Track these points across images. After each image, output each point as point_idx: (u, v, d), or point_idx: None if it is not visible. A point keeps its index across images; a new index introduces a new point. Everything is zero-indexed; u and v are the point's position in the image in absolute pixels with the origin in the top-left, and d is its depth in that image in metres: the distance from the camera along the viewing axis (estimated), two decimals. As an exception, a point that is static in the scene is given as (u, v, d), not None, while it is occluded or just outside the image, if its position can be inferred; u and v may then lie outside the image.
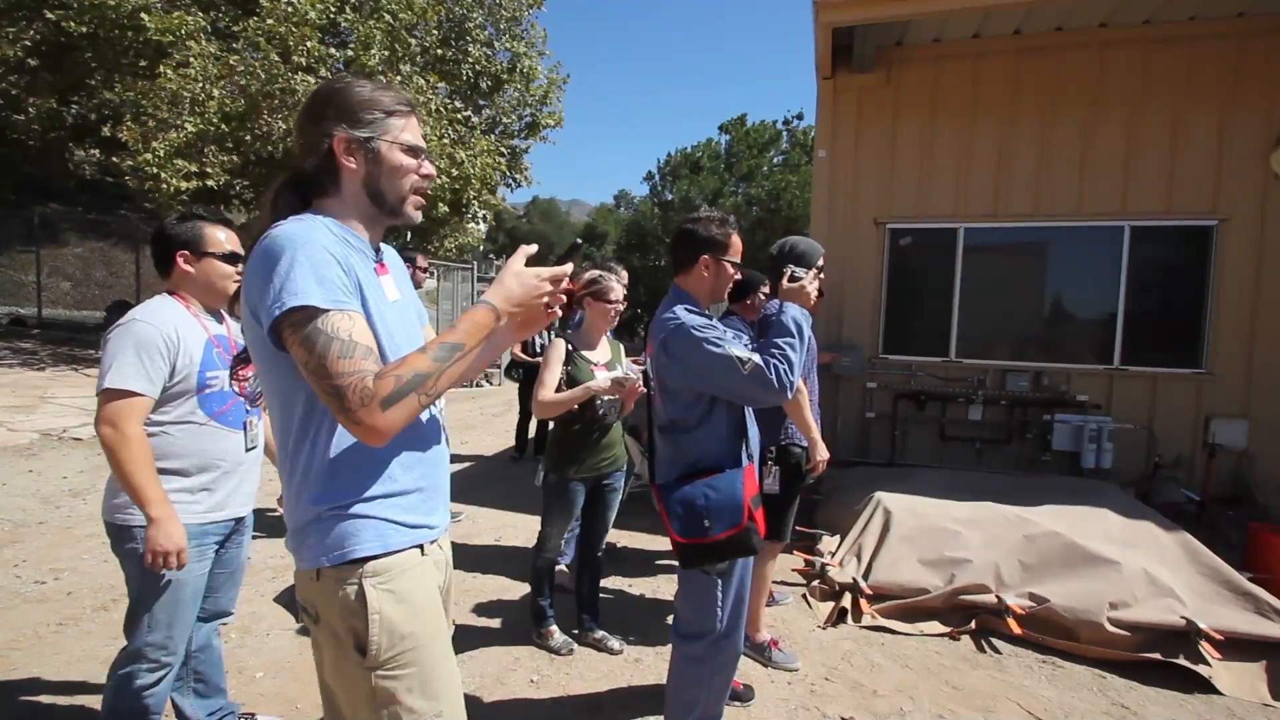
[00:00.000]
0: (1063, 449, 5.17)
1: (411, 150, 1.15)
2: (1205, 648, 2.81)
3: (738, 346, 1.74)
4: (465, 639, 2.89)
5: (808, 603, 3.37)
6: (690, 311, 1.84)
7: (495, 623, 3.12)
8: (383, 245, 1.23)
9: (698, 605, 1.91)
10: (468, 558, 3.82)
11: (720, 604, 1.88)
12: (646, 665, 2.76)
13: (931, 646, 3.00)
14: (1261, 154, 4.94)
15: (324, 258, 1.02)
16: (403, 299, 1.21)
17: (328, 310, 0.98)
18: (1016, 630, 2.99)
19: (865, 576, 3.35)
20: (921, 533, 3.48)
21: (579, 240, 1.28)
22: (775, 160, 24.52)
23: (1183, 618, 2.90)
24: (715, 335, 1.75)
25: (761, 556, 2.82)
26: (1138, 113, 5.15)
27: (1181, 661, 2.80)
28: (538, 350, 5.22)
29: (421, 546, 1.16)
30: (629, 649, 2.87)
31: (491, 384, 12.88)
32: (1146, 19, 5.05)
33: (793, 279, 1.91)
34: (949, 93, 5.52)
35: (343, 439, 1.08)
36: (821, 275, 2.86)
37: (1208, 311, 5.08)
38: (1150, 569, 3.14)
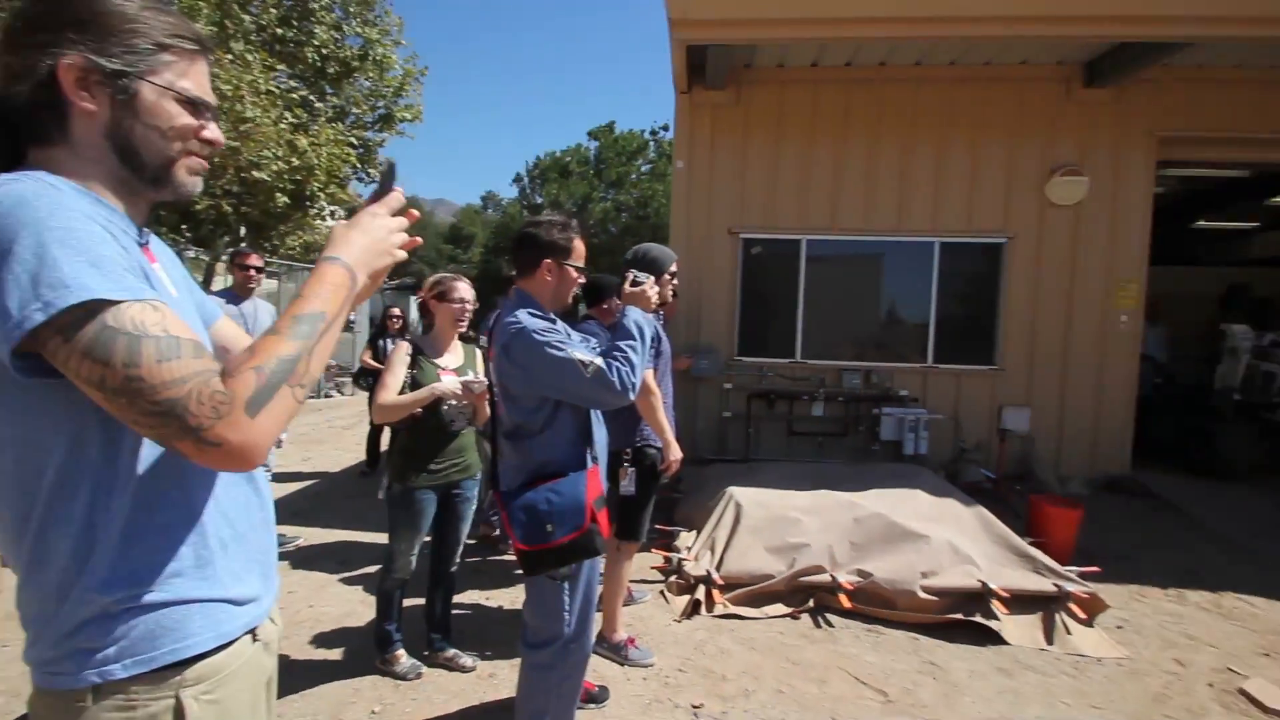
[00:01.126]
0: (889, 439, 5.78)
1: (191, 104, 0.84)
2: (996, 605, 3.27)
3: (580, 350, 1.75)
4: (298, 675, 2.64)
5: (665, 598, 3.48)
6: (533, 315, 1.82)
7: (335, 653, 2.89)
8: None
9: (545, 611, 1.89)
10: (307, 585, 3.51)
11: (567, 608, 1.88)
12: (501, 680, 2.69)
13: (776, 628, 3.22)
14: (1039, 183, 5.86)
15: (89, 229, 0.71)
16: (180, 296, 0.92)
17: (119, 302, 0.69)
18: (847, 605, 3.29)
19: (718, 568, 3.51)
20: (768, 522, 3.72)
21: (390, 161, 1.09)
22: (643, 169, 25.17)
23: (979, 581, 3.34)
24: (557, 339, 1.75)
25: (618, 557, 2.87)
26: (944, 143, 5.90)
27: (978, 619, 3.24)
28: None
29: (254, 630, 0.90)
30: (483, 664, 2.78)
31: (342, 394, 11.96)
32: (952, 61, 5.80)
33: (634, 283, 1.95)
34: (792, 115, 5.98)
35: (141, 493, 0.78)
36: (674, 281, 2.99)
37: (1000, 316, 5.94)
38: (954, 540, 3.59)
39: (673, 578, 3.57)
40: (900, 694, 2.70)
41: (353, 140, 11.00)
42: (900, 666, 2.91)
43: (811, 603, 3.38)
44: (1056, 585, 3.35)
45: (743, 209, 6.04)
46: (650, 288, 1.95)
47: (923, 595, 3.30)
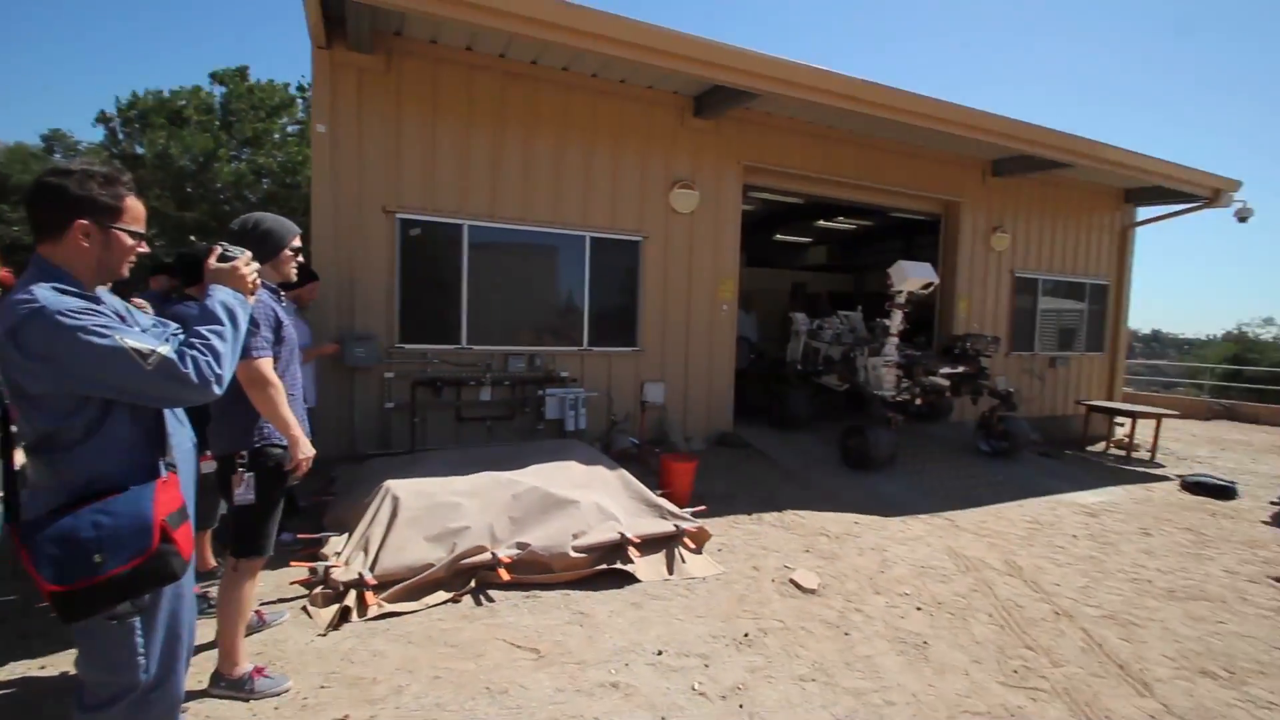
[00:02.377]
0: (553, 418, 6.20)
1: None
2: (631, 551, 3.79)
3: (135, 335, 1.42)
4: None
5: (308, 613, 3.12)
6: (60, 292, 1.40)
7: None
8: None
9: (107, 662, 1.51)
10: None
11: (142, 651, 1.53)
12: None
13: (436, 616, 3.17)
14: (665, 192, 6.89)
15: None
16: None
17: None
18: (506, 577, 3.44)
19: (372, 568, 3.30)
20: (427, 511, 3.64)
21: None
22: (289, 129, 21.75)
23: (619, 533, 3.83)
24: (98, 323, 1.38)
25: (236, 578, 2.46)
26: (591, 147, 6.50)
27: (618, 565, 3.71)
28: None
29: None
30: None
31: None
32: (594, 74, 6.39)
33: (223, 258, 1.67)
34: (448, 96, 5.86)
35: None
36: (298, 259, 2.65)
37: (639, 305, 6.84)
38: (600, 502, 4.04)
39: (318, 589, 3.23)
40: (551, 647, 2.94)
41: None
42: (552, 623, 3.16)
43: (474, 583, 3.43)
44: (676, 525, 4.05)
45: (399, 188, 5.71)
46: (245, 263, 1.69)
47: (574, 555, 3.64)
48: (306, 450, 2.50)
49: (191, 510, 1.67)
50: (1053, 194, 9.55)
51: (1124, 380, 11.33)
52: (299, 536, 3.75)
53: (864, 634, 3.25)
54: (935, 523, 5.20)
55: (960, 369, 7.22)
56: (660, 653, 2.93)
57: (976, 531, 5.02)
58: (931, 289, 6.80)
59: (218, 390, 1.52)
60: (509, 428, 6.20)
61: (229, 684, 2.45)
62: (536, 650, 2.91)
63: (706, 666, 2.84)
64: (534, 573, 3.56)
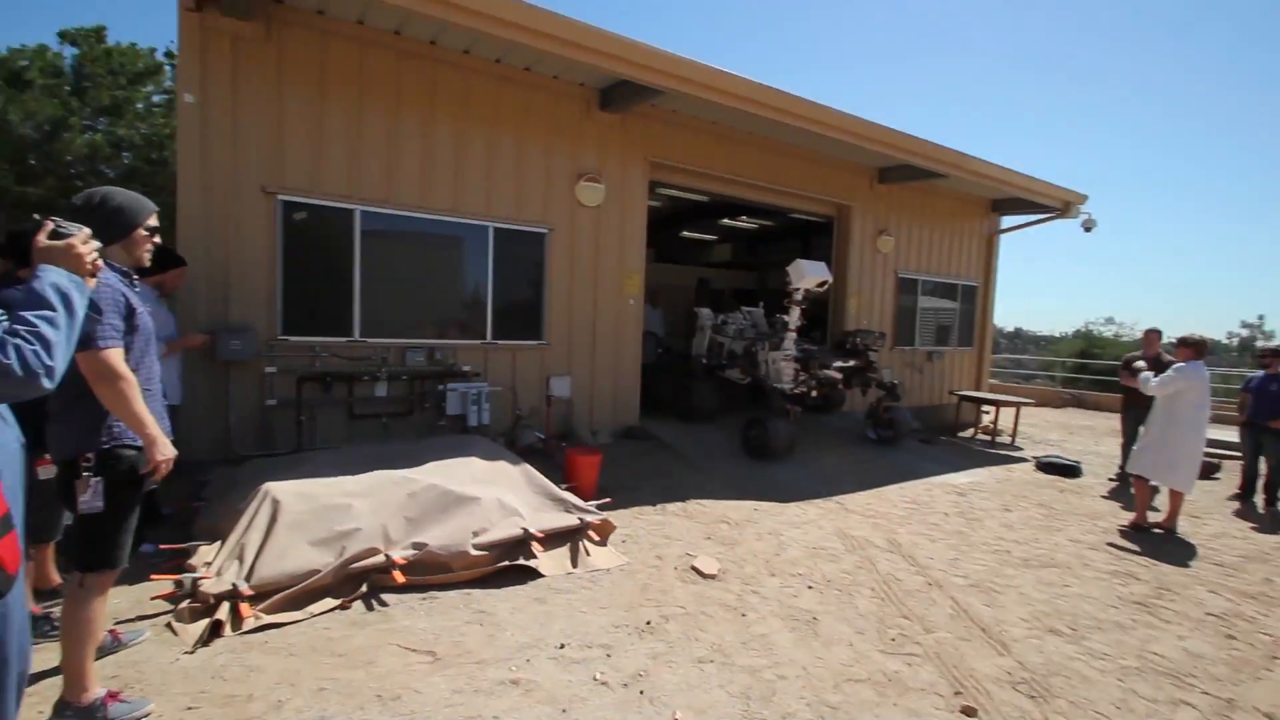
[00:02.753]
0: (455, 413, 6.00)
1: None
2: (535, 546, 3.74)
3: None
4: None
5: (173, 630, 2.84)
6: None
7: None
8: None
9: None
10: None
11: (-49, 685, 1.33)
12: None
13: (321, 625, 2.98)
14: (571, 185, 6.83)
15: None
16: None
17: None
18: (401, 580, 3.29)
19: (248, 578, 3.05)
20: (313, 514, 3.41)
21: None
22: (155, 99, 19.59)
23: (522, 528, 3.77)
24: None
25: (82, 595, 2.20)
26: (493, 135, 6.32)
27: (521, 561, 3.65)
28: None
29: None
30: None
31: None
32: (498, 59, 6.21)
33: (54, 235, 1.47)
34: (338, 72, 5.49)
35: None
36: (155, 241, 2.40)
37: (545, 297, 6.75)
38: (503, 498, 3.96)
39: (184, 603, 2.94)
40: (449, 648, 2.84)
41: None
42: (450, 624, 3.06)
43: (364, 588, 3.26)
44: (580, 519, 4.04)
45: (281, 167, 5.29)
46: (81, 241, 1.50)
47: (474, 553, 3.54)
48: (165, 451, 2.26)
49: (19, 519, 1.47)
50: (931, 202, 10.36)
51: (990, 373, 12.52)
52: (161, 547, 3.41)
53: (759, 614, 3.39)
54: (827, 506, 5.52)
55: (852, 363, 7.69)
56: (563, 646, 2.91)
57: (863, 513, 5.37)
58: (826, 287, 7.18)
59: (48, 383, 1.34)
60: (407, 424, 5.93)
61: (77, 712, 2.18)
62: (433, 653, 2.81)
63: (609, 656, 2.86)
64: (432, 573, 3.43)
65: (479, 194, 6.26)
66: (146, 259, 2.36)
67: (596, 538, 4.08)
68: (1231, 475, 7.30)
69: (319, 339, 5.51)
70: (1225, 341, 36.22)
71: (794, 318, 7.06)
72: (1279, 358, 6.10)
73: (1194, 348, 5.30)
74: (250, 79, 5.13)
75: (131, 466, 2.22)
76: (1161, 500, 5.70)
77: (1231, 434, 7.43)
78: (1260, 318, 38.02)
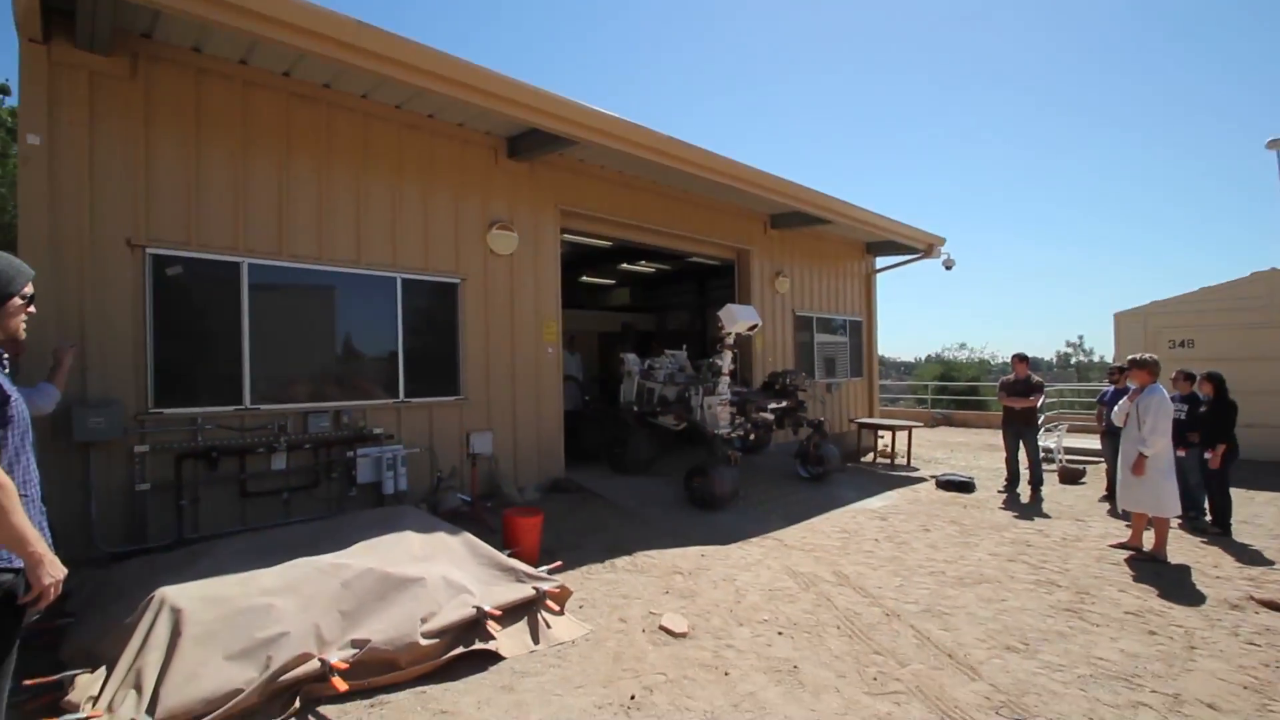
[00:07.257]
0: (367, 481, 5.41)
1: None
2: (491, 626, 3.37)
3: None
4: None
5: (45, 801, 2.20)
6: None
7: None
8: None
9: None
10: None
11: None
12: None
13: (250, 760, 2.46)
14: (482, 233, 6.59)
15: None
16: None
17: None
18: (343, 687, 2.81)
19: (151, 710, 2.46)
20: (225, 622, 2.85)
21: None
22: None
23: (474, 607, 3.38)
24: None
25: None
26: (397, 183, 5.98)
27: (477, 645, 3.26)
28: None
29: None
30: None
31: None
32: (399, 105, 5.93)
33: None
34: (218, 114, 4.96)
35: None
36: (30, 310, 1.96)
37: (460, 350, 6.38)
38: (448, 574, 3.55)
39: (62, 761, 2.30)
40: (415, 766, 2.44)
41: None
42: (411, 733, 2.64)
43: (298, 703, 2.74)
44: (535, 588, 3.72)
45: (149, 218, 4.63)
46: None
47: (424, 643, 3.12)
48: (54, 572, 1.77)
49: None
50: (818, 245, 11.15)
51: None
52: (26, 683, 2.67)
53: (741, 670, 3.25)
54: (767, 544, 5.53)
55: (784, 404, 7.89)
56: (547, 739, 2.59)
57: (802, 547, 5.44)
58: (756, 329, 7.29)
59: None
60: (313, 497, 5.26)
61: None
62: (398, 773, 2.39)
63: (601, 743, 2.58)
64: (377, 673, 2.97)
65: (384, 244, 5.86)
66: (22, 333, 1.91)
67: (555, 607, 3.77)
68: (1096, 479, 8.26)
69: (201, 409, 4.79)
70: (1050, 360, 41.95)
71: (726, 361, 7.02)
72: (1124, 374, 7.05)
73: (1149, 369, 5.02)
74: (111, 120, 4.49)
75: (10, 592, 1.71)
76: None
77: (1093, 442, 8.44)
78: (1080, 337, 44.55)
